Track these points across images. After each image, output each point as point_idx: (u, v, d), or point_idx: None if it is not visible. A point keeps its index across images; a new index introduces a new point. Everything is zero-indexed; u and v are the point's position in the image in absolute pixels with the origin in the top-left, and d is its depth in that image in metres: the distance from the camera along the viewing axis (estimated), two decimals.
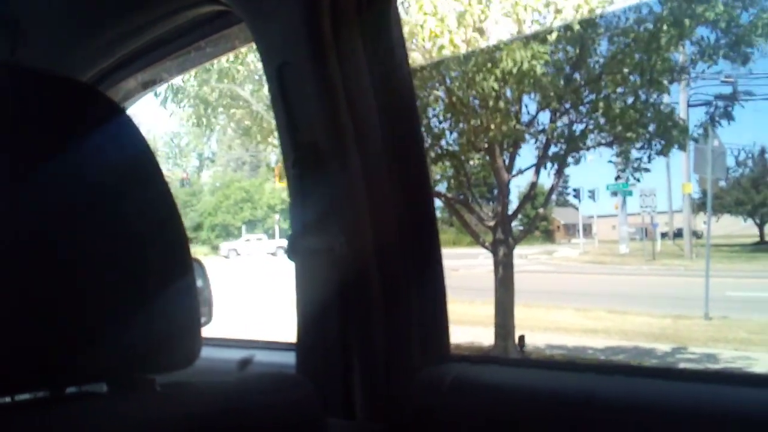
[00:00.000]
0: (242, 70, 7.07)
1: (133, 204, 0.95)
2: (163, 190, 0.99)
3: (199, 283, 2.11)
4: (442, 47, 5.49)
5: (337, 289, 1.45)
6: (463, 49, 5.72)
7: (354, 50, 1.47)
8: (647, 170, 6.82)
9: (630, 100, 6.34)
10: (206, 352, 1.04)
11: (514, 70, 5.60)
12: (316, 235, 1.45)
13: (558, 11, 5.46)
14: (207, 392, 1.04)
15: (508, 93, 6.32)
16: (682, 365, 7.34)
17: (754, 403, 1.14)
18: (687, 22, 5.82)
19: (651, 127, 6.46)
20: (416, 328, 1.50)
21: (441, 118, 6.53)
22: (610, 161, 7.21)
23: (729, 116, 7.21)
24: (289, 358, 1.55)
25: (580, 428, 1.26)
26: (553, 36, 5.82)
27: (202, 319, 2.03)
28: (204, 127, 8.03)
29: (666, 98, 6.64)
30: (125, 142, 0.97)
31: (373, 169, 1.48)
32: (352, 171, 1.47)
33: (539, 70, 5.68)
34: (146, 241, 0.96)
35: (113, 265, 0.92)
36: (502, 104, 6.20)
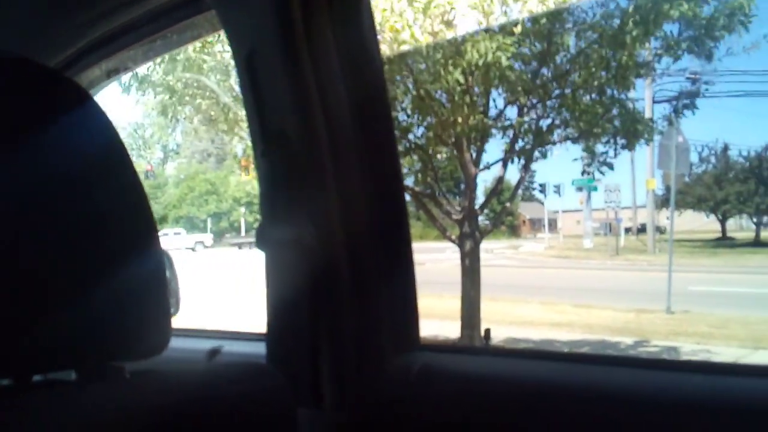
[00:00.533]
0: (209, 60, 7.00)
1: (103, 193, 0.94)
2: (133, 179, 0.99)
3: (167, 273, 2.10)
4: (403, 42, 5.48)
5: (306, 278, 1.45)
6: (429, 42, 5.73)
7: (325, 39, 1.46)
8: (611, 166, 6.90)
9: (596, 96, 6.39)
10: (175, 342, 1.04)
11: (480, 62, 5.61)
12: (286, 225, 1.45)
13: (524, 2, 5.47)
14: (177, 381, 1.03)
15: (476, 88, 6.33)
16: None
17: (719, 391, 1.16)
18: (652, 18, 5.88)
19: (617, 122, 6.53)
20: (386, 317, 1.51)
21: (409, 111, 6.53)
22: (576, 159, 7.29)
23: (693, 106, 7.32)
24: (259, 348, 1.55)
25: (547, 416, 1.27)
26: (519, 29, 5.84)
27: (170, 310, 2.02)
28: (170, 117, 7.95)
29: (632, 94, 6.72)
30: (95, 130, 0.96)
31: (344, 159, 1.47)
32: (322, 161, 1.46)
33: (504, 62, 5.69)
34: (116, 229, 0.95)
35: (83, 253, 0.91)
36: (468, 98, 6.21)
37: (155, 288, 0.99)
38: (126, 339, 0.96)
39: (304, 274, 1.45)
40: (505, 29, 5.75)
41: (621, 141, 6.64)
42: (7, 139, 0.87)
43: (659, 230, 15.75)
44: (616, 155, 6.78)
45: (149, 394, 0.97)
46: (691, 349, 7.60)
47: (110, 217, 0.95)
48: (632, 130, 6.50)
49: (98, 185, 0.94)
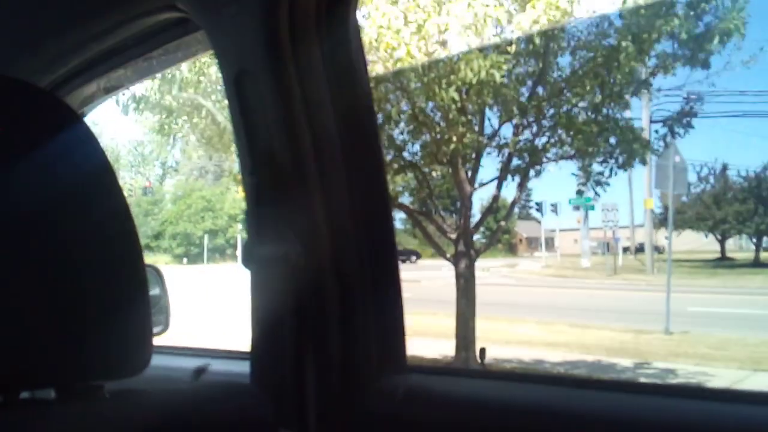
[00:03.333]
0: (204, 80, 7.02)
1: (87, 212, 0.95)
2: (118, 198, 0.98)
3: (157, 290, 2.09)
4: (399, 60, 5.50)
5: (292, 298, 1.44)
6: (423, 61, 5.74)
7: (312, 59, 1.46)
8: (605, 186, 6.89)
9: (591, 114, 6.39)
10: (160, 361, 1.03)
11: (474, 80, 5.63)
12: (272, 244, 1.44)
13: (518, 22, 5.49)
14: (157, 400, 1.03)
15: (470, 106, 6.34)
16: (641, 380, 7.40)
17: (720, 418, 1.15)
18: (646, 36, 5.90)
19: (612, 140, 6.53)
20: (372, 338, 1.49)
21: (403, 128, 6.54)
22: (573, 174, 7.27)
23: (688, 125, 7.31)
24: (244, 368, 1.54)
25: None
26: (513, 48, 5.86)
27: (159, 327, 2.01)
28: (166, 135, 7.98)
29: (628, 113, 6.73)
30: (82, 149, 0.97)
31: (331, 178, 1.47)
32: (310, 180, 1.46)
33: (498, 79, 5.70)
34: (99, 249, 0.95)
35: (64, 272, 0.91)
36: (463, 116, 6.22)
37: (137, 307, 0.99)
38: (106, 358, 0.96)
39: (289, 293, 1.44)
40: (500, 48, 5.77)
41: (617, 160, 6.63)
42: None
43: (657, 250, 15.71)
44: (612, 174, 6.77)
45: (128, 415, 0.97)
46: (690, 371, 7.55)
47: (94, 237, 0.95)
48: (628, 148, 6.50)
49: (83, 205, 0.94)
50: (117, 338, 0.96)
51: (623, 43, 5.87)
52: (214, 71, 6.85)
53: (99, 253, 0.95)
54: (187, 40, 1.78)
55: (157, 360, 1.01)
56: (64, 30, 1.89)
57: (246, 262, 1.48)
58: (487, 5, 5.42)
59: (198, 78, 7.02)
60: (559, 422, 1.25)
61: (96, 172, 0.97)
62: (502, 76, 5.73)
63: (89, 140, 0.97)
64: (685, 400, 1.23)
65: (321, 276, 1.46)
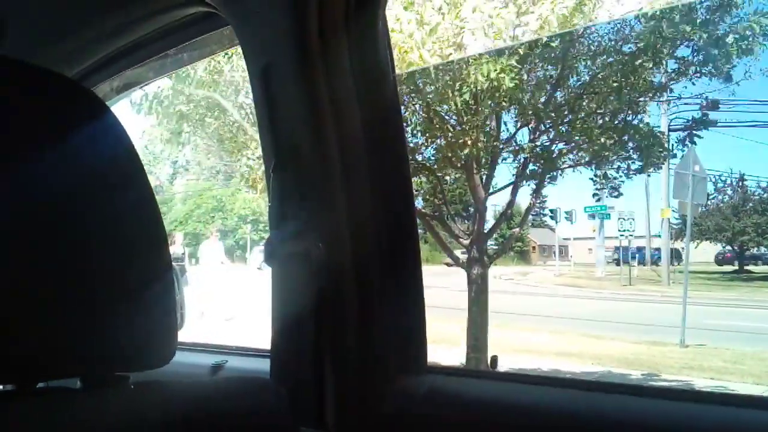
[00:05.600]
0: (219, 80, 7.04)
1: (117, 204, 0.95)
2: (146, 191, 0.99)
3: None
4: (411, 64, 5.48)
5: (313, 295, 1.43)
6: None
7: (340, 55, 1.45)
8: (619, 190, 6.86)
9: (609, 120, 6.36)
10: (179, 356, 1.04)
11: (484, 85, 5.60)
12: (294, 240, 1.43)
13: (526, 24, 5.45)
14: (180, 393, 1.04)
15: (485, 110, 6.31)
16: None
17: (731, 423, 1.15)
18: (659, 45, 5.88)
19: (631, 144, 6.50)
20: (393, 337, 1.49)
21: (416, 131, 6.52)
22: (591, 179, 7.24)
23: (707, 124, 7.26)
24: (263, 365, 1.53)
25: None
26: (523, 51, 5.84)
27: None
28: (180, 134, 8.03)
29: (647, 119, 6.69)
30: (111, 142, 0.97)
31: (355, 176, 1.46)
32: (333, 177, 1.45)
33: (508, 83, 5.67)
34: (128, 241, 0.96)
35: (94, 263, 0.92)
36: (477, 120, 6.20)
37: (164, 300, 1.00)
38: (132, 349, 0.97)
39: (310, 290, 1.44)
40: (515, 52, 5.74)
41: (633, 165, 6.61)
42: (24, 148, 0.88)
43: (674, 259, 15.53)
44: (629, 176, 6.74)
45: (152, 405, 0.98)
46: (704, 384, 7.49)
47: (123, 229, 0.95)
48: (647, 152, 6.46)
49: (113, 197, 0.95)
50: (144, 329, 0.97)
51: (641, 47, 5.84)
52: (228, 70, 6.88)
53: (128, 244, 0.96)
54: (209, 36, 1.78)
55: (175, 355, 1.01)
56: (88, 23, 1.90)
57: (268, 258, 1.47)
58: (496, 7, 5.39)
59: (212, 77, 7.04)
60: (578, 425, 1.25)
61: (125, 164, 0.98)
62: (513, 80, 5.69)
63: (118, 132, 0.97)
64: (695, 405, 1.23)
65: (342, 274, 1.45)
